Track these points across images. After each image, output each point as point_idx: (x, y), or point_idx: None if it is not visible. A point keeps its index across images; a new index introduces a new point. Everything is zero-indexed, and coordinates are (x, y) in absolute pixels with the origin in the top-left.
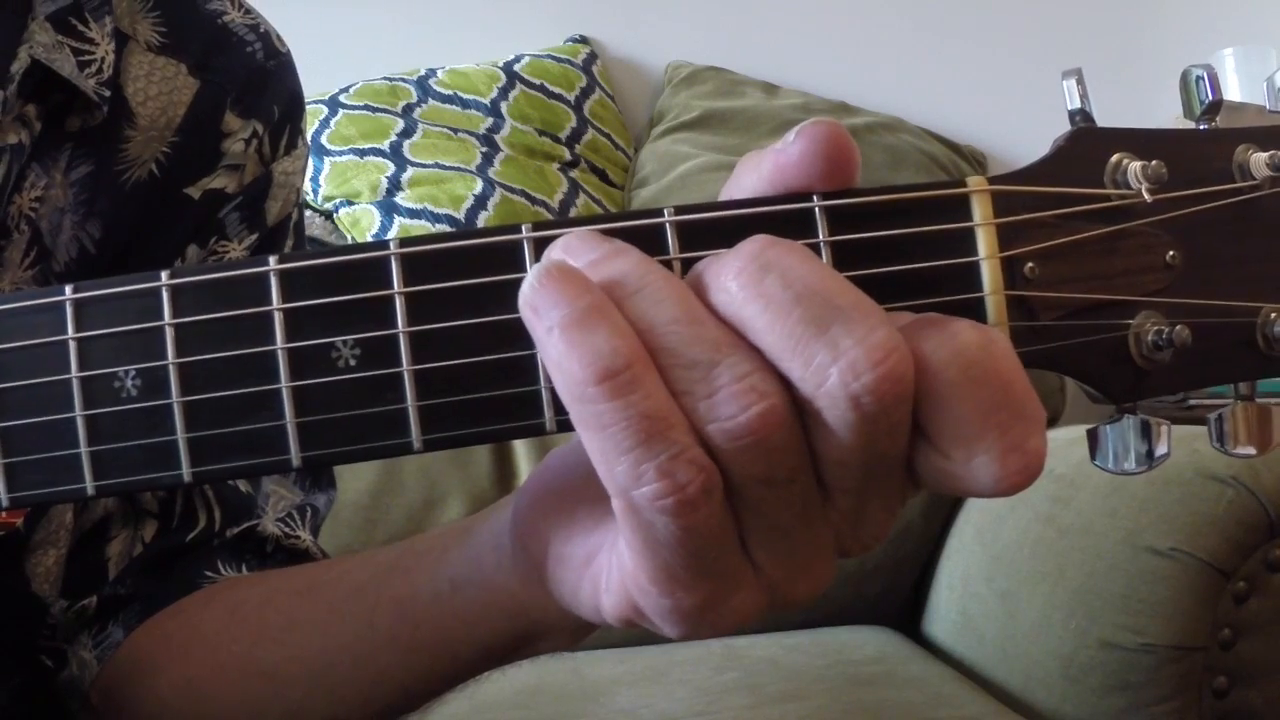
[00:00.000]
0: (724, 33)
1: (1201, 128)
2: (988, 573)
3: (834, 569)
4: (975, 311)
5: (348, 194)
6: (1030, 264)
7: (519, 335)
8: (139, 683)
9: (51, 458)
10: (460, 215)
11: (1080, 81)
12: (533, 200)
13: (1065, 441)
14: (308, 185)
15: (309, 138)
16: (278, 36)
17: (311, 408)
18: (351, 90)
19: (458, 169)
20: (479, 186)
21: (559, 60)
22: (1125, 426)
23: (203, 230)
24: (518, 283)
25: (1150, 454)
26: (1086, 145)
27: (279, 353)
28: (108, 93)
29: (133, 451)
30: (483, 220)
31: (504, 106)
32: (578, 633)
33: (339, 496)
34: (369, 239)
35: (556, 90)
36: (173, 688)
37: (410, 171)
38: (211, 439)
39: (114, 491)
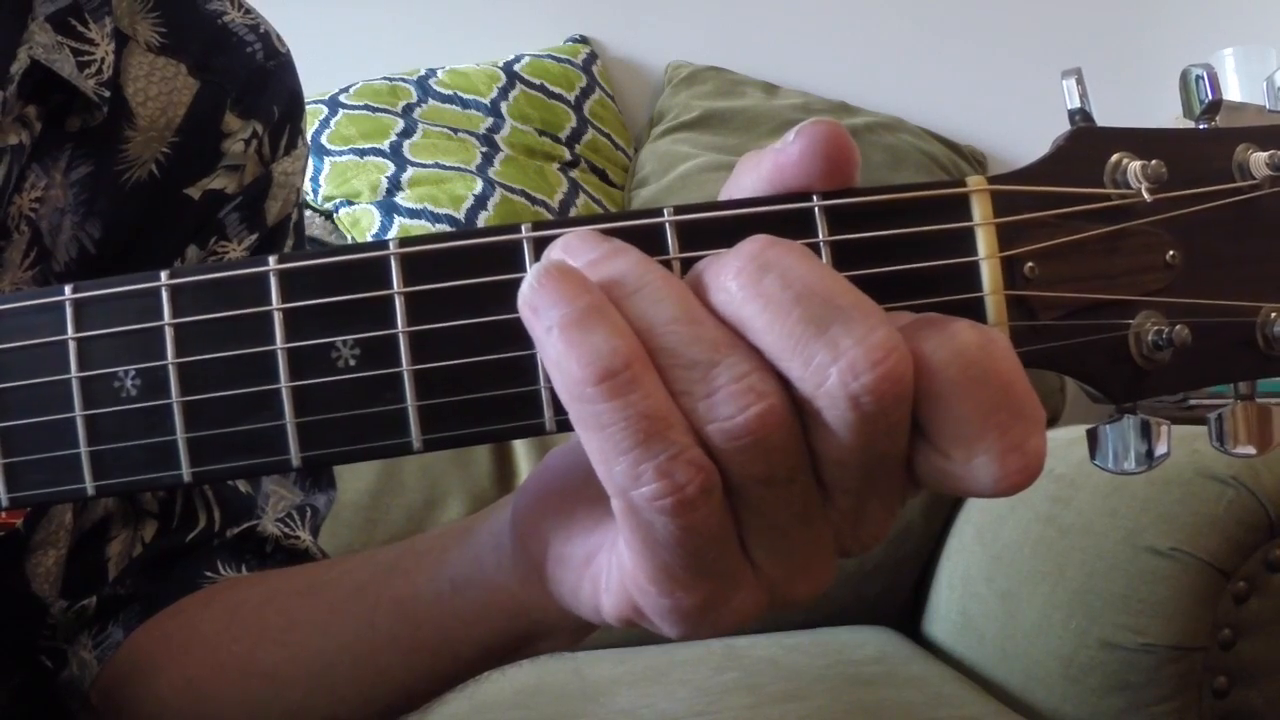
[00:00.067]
0: (724, 33)
1: (1201, 127)
2: (988, 573)
3: (834, 569)
4: (975, 311)
5: (348, 194)
6: (1030, 264)
7: (519, 335)
8: (139, 683)
9: (51, 458)
10: (460, 215)
11: (1080, 81)
12: (533, 200)
13: (1065, 441)
14: (308, 185)
15: (309, 138)
16: (278, 36)
17: (311, 408)
18: (351, 90)
19: (458, 169)
20: (479, 186)
21: (559, 60)
22: (1125, 426)
23: (202, 230)
24: (517, 283)
25: (1150, 454)
26: (1086, 145)
27: (279, 353)
28: (107, 93)
29: (133, 451)
30: (483, 220)
31: (504, 106)
32: (578, 633)
33: (339, 496)
34: (369, 239)
35: (556, 90)
36: (172, 688)
37: (410, 171)
38: (211, 439)
39: (114, 492)
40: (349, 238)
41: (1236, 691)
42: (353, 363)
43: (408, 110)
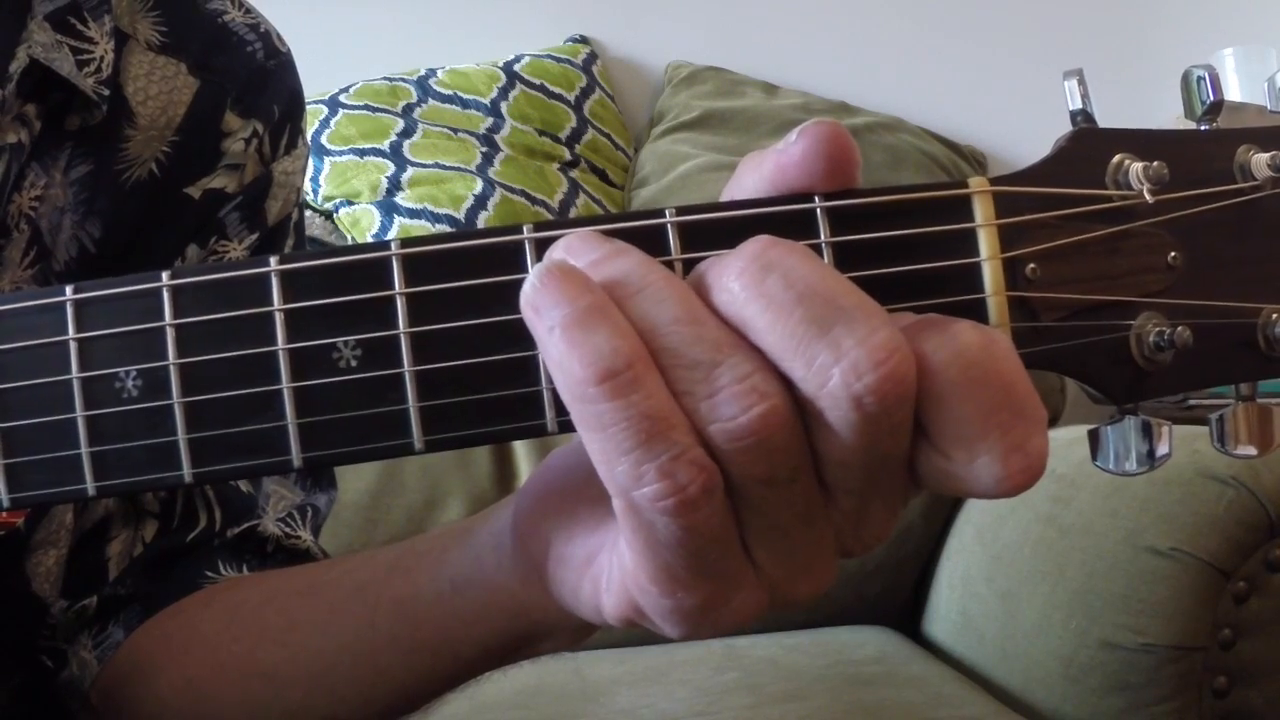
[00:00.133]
0: (724, 33)
1: (1203, 128)
2: (988, 573)
3: (835, 569)
4: (977, 312)
5: (348, 194)
6: (1032, 265)
7: (520, 336)
8: (139, 683)
9: (52, 458)
10: (460, 215)
11: (1081, 82)
12: (533, 200)
13: (1066, 441)
14: (308, 185)
15: (309, 138)
16: (278, 36)
17: (313, 408)
18: (351, 90)
19: (458, 169)
20: (479, 186)
21: (559, 60)
22: (1126, 427)
23: (203, 230)
24: (519, 283)
25: (1151, 454)
26: (1088, 146)
27: (280, 353)
28: (107, 92)
29: (134, 452)
30: (483, 220)
31: (504, 106)
32: (578, 633)
33: (339, 497)
34: (369, 239)
35: (556, 90)
36: (173, 688)
37: (410, 171)
38: (213, 439)
39: (115, 492)
40: (349, 238)
41: (1236, 691)
42: (354, 363)
43: (408, 110)
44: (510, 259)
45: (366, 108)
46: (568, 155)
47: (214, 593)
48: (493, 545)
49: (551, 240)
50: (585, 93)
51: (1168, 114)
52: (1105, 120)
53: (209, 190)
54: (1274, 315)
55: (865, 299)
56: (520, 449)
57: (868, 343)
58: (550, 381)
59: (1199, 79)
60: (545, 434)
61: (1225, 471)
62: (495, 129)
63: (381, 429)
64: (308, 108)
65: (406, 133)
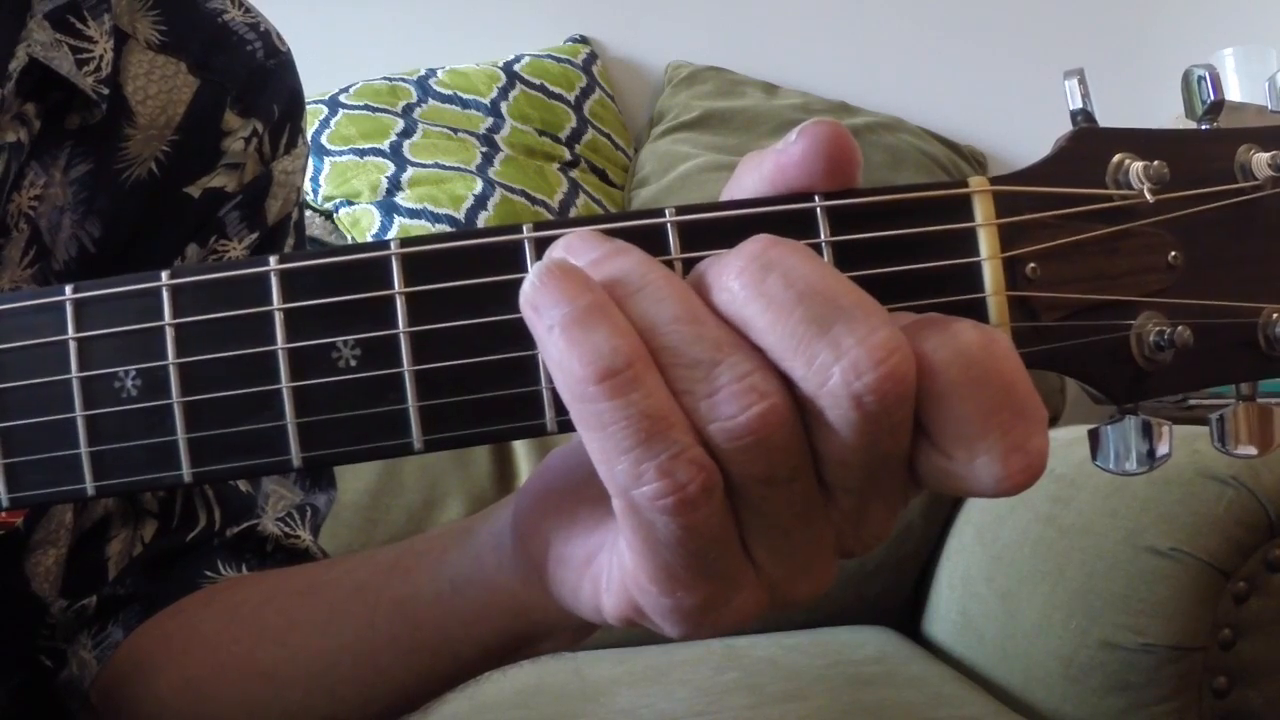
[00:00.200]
0: (724, 33)
1: (1203, 128)
2: (988, 573)
3: (835, 569)
4: (977, 312)
5: (348, 194)
6: (1032, 264)
7: (520, 335)
8: (138, 683)
9: (52, 458)
10: (460, 215)
11: (1082, 81)
12: (533, 200)
13: (1066, 441)
14: (308, 185)
15: (309, 137)
16: (278, 35)
17: (312, 408)
18: (351, 90)
19: (458, 169)
20: (479, 186)
21: (559, 60)
22: (1126, 427)
23: (203, 229)
24: (519, 283)
25: (1151, 454)
26: (1088, 145)
27: (279, 353)
28: (106, 91)
29: (133, 452)
30: (483, 220)
31: (504, 106)
32: (578, 633)
33: (339, 496)
34: (369, 239)
35: (556, 90)
36: (172, 688)
37: (410, 171)
38: (212, 439)
39: (114, 492)
40: (349, 238)
41: (1236, 691)
42: (354, 363)
43: (408, 110)
44: (510, 258)
45: (366, 108)
46: (568, 155)
47: (213, 592)
48: (493, 545)
49: (551, 240)
50: (585, 93)
51: (1168, 114)
52: (1105, 120)
53: (209, 189)
54: (1274, 315)
55: (865, 298)
56: (520, 449)
57: (868, 342)
58: (550, 381)
59: (1199, 78)
60: (545, 433)
61: (1225, 471)
62: (495, 129)
63: (381, 429)
64: (308, 108)
65: (406, 133)
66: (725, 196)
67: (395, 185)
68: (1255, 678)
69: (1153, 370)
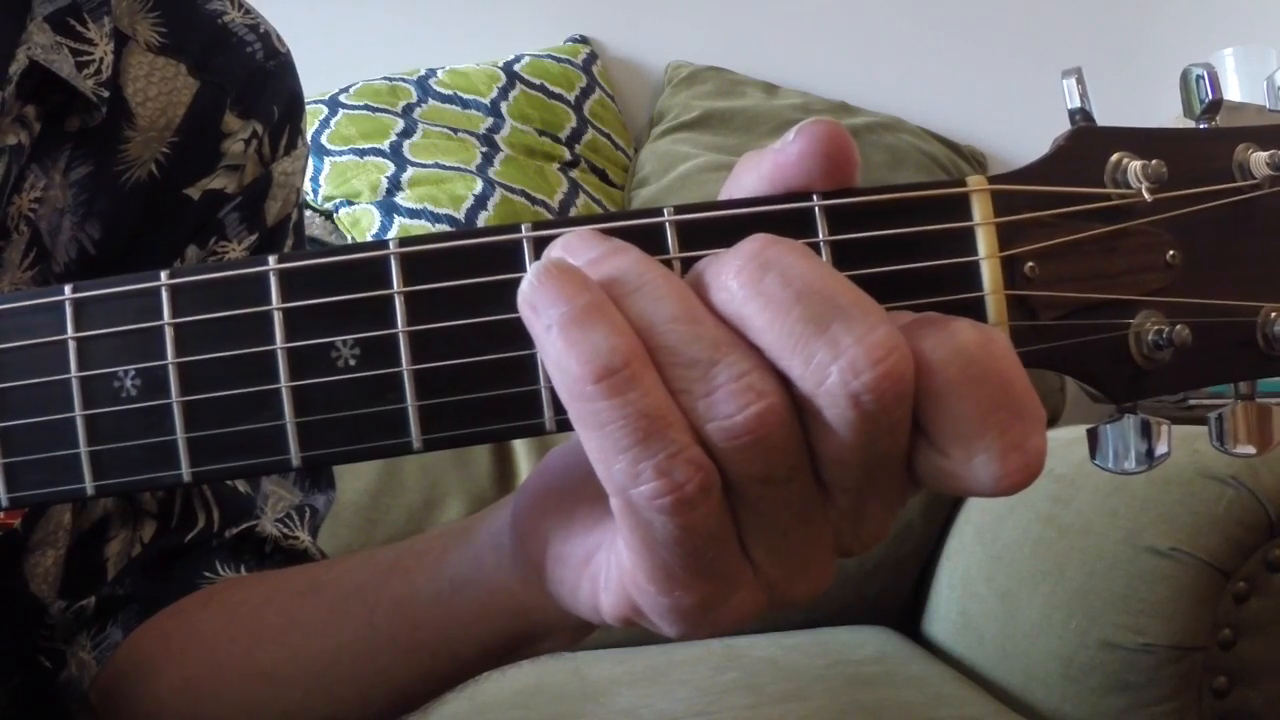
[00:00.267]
0: (724, 33)
1: (1201, 127)
2: (988, 573)
3: (833, 568)
4: (975, 311)
5: (348, 194)
6: (1030, 263)
7: (519, 335)
8: (138, 683)
9: (51, 458)
10: (460, 215)
11: (1080, 80)
12: (533, 200)
13: (1065, 441)
14: (308, 185)
15: (309, 138)
16: (278, 36)
17: (311, 408)
18: (351, 90)
19: (458, 169)
20: (479, 186)
21: (559, 60)
22: (1125, 426)
23: (202, 230)
24: (517, 282)
25: (1150, 453)
26: (1086, 144)
27: (279, 353)
28: (106, 93)
29: (132, 451)
30: (483, 220)
31: (504, 106)
32: (578, 633)
33: (338, 497)
34: (369, 239)
35: (556, 90)
36: (171, 688)
37: (410, 171)
38: (211, 439)
39: (113, 491)
40: (349, 238)
41: (1236, 691)
42: (353, 362)
43: (408, 110)
44: (509, 258)
45: (366, 108)
46: (568, 155)
47: (212, 593)
48: (492, 545)
49: (550, 239)
50: (585, 93)
51: (1167, 113)
52: (1104, 119)
53: (208, 191)
54: (1273, 314)
55: (863, 297)
56: (519, 448)
57: (866, 341)
58: (548, 380)
59: (1198, 78)
60: (544, 433)
61: (1225, 471)
62: (495, 129)
63: (380, 428)
64: (308, 108)
65: (406, 133)
66: (724, 196)
67: (395, 185)
68: (1255, 678)
69: (1151, 369)
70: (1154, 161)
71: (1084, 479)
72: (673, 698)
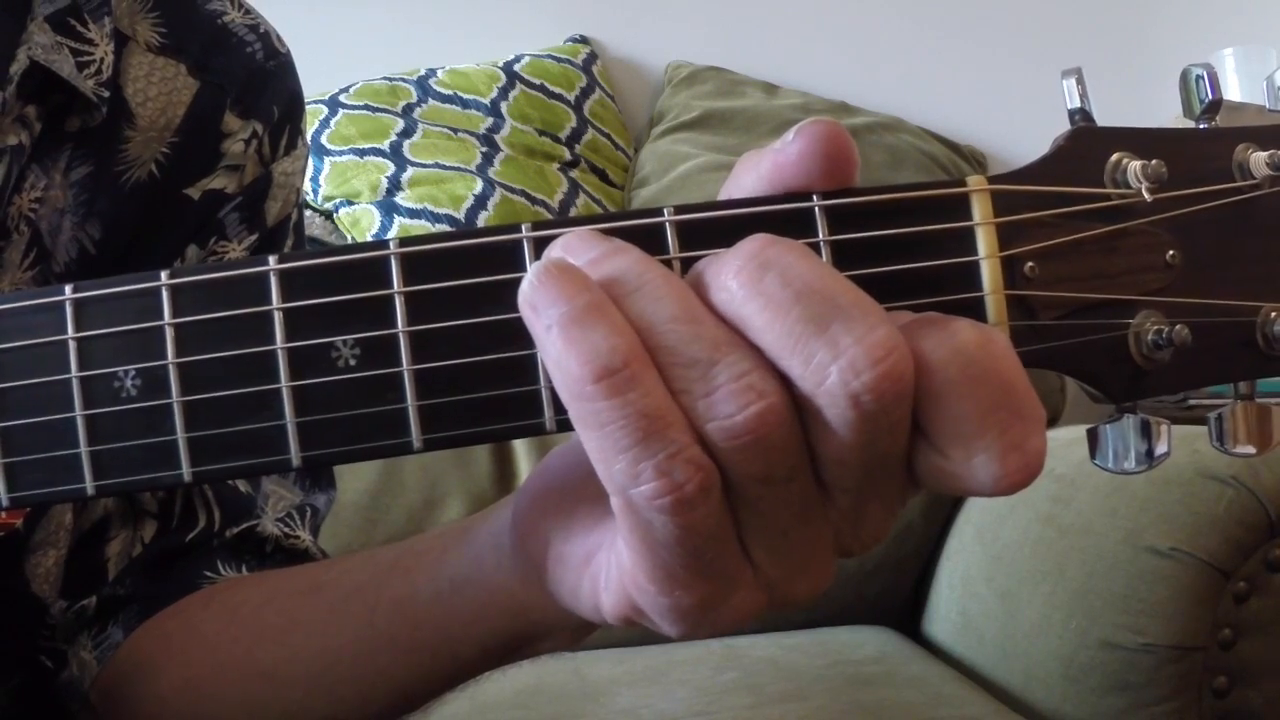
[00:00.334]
0: (724, 33)
1: (1201, 127)
2: (988, 573)
3: (833, 568)
4: (975, 311)
5: (348, 194)
6: (1030, 263)
7: (519, 335)
8: (138, 683)
9: (51, 458)
10: (460, 215)
11: (1080, 81)
12: (533, 200)
13: (1065, 441)
14: (308, 185)
15: (309, 138)
16: (278, 36)
17: (311, 408)
18: (351, 90)
19: (458, 169)
20: (479, 186)
21: (559, 60)
22: (1125, 426)
23: (202, 230)
24: (518, 282)
25: (1150, 453)
26: (1086, 144)
27: (279, 352)
28: (106, 93)
29: (133, 451)
30: (483, 220)
31: (504, 106)
32: (578, 633)
33: (339, 496)
34: (369, 239)
35: (556, 90)
36: (172, 688)
37: (410, 171)
38: (211, 439)
39: (114, 491)
40: (349, 238)
41: (1236, 691)
42: (353, 362)
43: (408, 110)
44: (509, 258)
45: (366, 108)
46: (568, 155)
47: (213, 593)
48: (492, 545)
49: (550, 239)
50: (585, 93)
51: (1167, 113)
52: (1104, 119)
53: (208, 191)
54: (1273, 314)
55: (863, 297)
56: (519, 448)
57: (865, 340)
58: (549, 380)
59: (1198, 78)
60: (544, 433)
61: (1225, 471)
62: (495, 129)
63: (380, 428)
64: (308, 108)
65: (406, 133)
66: (723, 196)
67: (395, 185)
68: (1255, 678)
69: (1151, 369)
70: (1154, 161)
71: (1084, 479)
72: (673, 698)
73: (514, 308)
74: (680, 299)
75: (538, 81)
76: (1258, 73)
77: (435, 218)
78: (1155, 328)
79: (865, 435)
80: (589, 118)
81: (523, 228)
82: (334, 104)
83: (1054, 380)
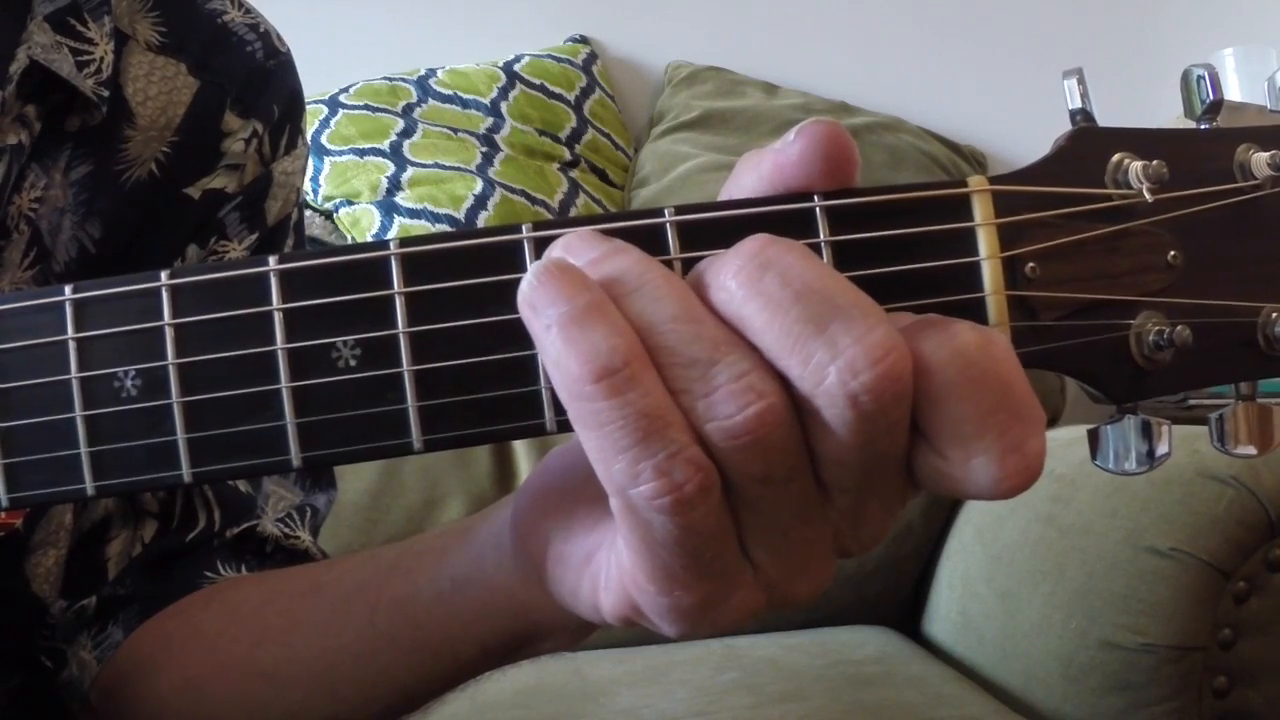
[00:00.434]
0: (724, 33)
1: (1202, 127)
2: (988, 573)
3: (833, 568)
4: (976, 311)
5: (348, 194)
6: (1031, 264)
7: (519, 335)
8: (139, 683)
9: (51, 458)
10: (460, 215)
11: (1081, 81)
12: (533, 200)
13: (1065, 441)
14: (308, 185)
15: (309, 138)
16: (278, 36)
17: (312, 408)
18: (351, 90)
19: (458, 169)
20: (479, 186)
21: (559, 60)
22: (1126, 426)
23: (203, 230)
24: (518, 282)
25: (1151, 454)
26: (1087, 145)
27: (279, 353)
28: (106, 93)
29: (133, 452)
30: (483, 220)
31: (504, 106)
32: (578, 633)
33: (339, 497)
34: (369, 239)
35: (556, 90)
36: (172, 688)
37: (410, 171)
38: (212, 439)
39: (114, 492)
40: (349, 238)
41: (1236, 691)
42: (353, 363)
43: (408, 110)
44: (509, 258)
45: (366, 108)
46: (568, 155)
47: (213, 593)
48: (492, 545)
49: (550, 240)
50: (585, 93)
51: (1168, 113)
52: (1105, 119)
53: (209, 190)
54: (1274, 314)
55: (862, 297)
56: (520, 448)
57: (864, 341)
58: (549, 381)
59: (1199, 78)
60: (544, 433)
61: (1225, 471)
62: (495, 129)
63: (380, 428)
64: (308, 108)
65: (406, 133)
66: (724, 196)
67: (395, 185)
68: (1255, 678)
69: (1152, 370)
70: (1155, 162)
71: (1084, 479)
72: (673, 698)
73: (514, 308)
74: (680, 299)
75: (538, 81)
76: (1258, 73)
77: (435, 218)
78: (1156, 328)
79: (864, 435)
80: (589, 118)
81: (523, 228)
82: (334, 104)
83: (1054, 380)
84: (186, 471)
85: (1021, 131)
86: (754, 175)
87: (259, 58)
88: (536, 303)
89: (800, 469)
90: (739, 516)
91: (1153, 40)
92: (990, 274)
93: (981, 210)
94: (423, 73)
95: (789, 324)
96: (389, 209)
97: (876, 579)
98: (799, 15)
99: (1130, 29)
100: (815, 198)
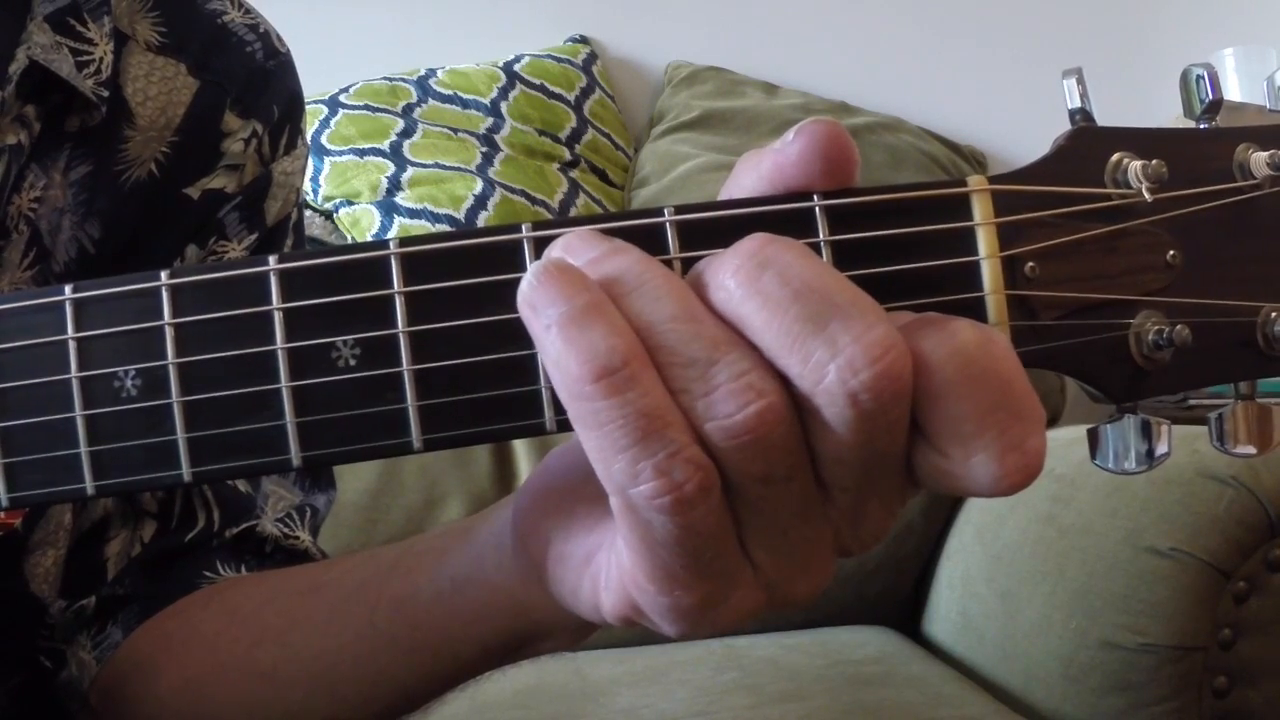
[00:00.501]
0: (724, 33)
1: (1202, 127)
2: (988, 573)
3: (833, 568)
4: (976, 311)
5: (348, 194)
6: (1031, 263)
7: (519, 335)
8: (138, 683)
9: (51, 458)
10: (460, 215)
11: (1080, 81)
12: (533, 200)
13: (1065, 441)
14: (308, 185)
15: (309, 138)
16: (277, 36)
17: (311, 408)
18: (351, 90)
19: (458, 169)
20: (479, 186)
21: (559, 60)
22: (1126, 426)
23: (202, 230)
24: (518, 282)
25: (1150, 453)
26: (1087, 144)
27: (279, 353)
28: (106, 93)
29: (132, 451)
30: (483, 220)
31: (504, 106)
32: (578, 633)
33: (339, 496)
34: (369, 239)
35: (556, 90)
36: (172, 688)
37: (410, 171)
38: (211, 439)
39: (114, 491)
40: (349, 238)
41: (1236, 691)
42: (353, 362)
43: (408, 110)
44: (509, 258)
45: (366, 108)
46: (568, 155)
47: (213, 593)
48: (493, 544)
49: (550, 240)
50: (585, 93)
51: (1167, 113)
52: (1105, 119)
53: (208, 190)
54: (1273, 314)
55: (861, 295)
56: (519, 448)
57: (864, 339)
58: (549, 380)
59: (1198, 78)
60: (544, 433)
61: (1225, 471)
62: (495, 129)
63: (380, 428)
64: (308, 108)
65: (406, 133)
66: (724, 196)
67: (395, 185)
68: (1255, 678)
69: (1151, 369)
70: (1154, 161)
71: (1084, 479)
72: (673, 698)
73: (514, 308)
74: (679, 298)
75: (538, 81)
76: (1258, 73)
77: (435, 218)
78: (1156, 328)
79: (863, 434)
80: (589, 118)
81: (523, 228)
82: (334, 104)
83: (1054, 380)
84: (186, 471)
85: (1021, 131)
86: (753, 175)
87: (259, 58)
88: (536, 302)
89: (800, 468)
90: (739, 516)
91: (1153, 40)
92: (990, 273)
93: (981, 210)
94: (423, 73)
95: (788, 323)
96: (389, 209)
97: (876, 579)
98: (799, 15)
99: (1130, 29)
100: (815, 197)
